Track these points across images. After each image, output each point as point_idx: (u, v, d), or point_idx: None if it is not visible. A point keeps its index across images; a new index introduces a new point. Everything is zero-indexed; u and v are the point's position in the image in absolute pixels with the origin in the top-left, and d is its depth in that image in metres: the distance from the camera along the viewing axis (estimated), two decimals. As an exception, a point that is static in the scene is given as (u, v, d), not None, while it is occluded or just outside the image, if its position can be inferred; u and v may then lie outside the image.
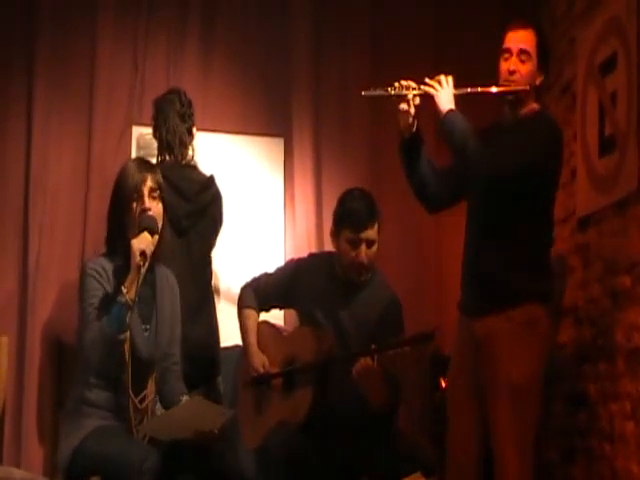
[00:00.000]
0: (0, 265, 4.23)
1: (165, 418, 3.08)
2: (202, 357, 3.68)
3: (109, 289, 3.10)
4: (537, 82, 3.27)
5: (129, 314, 3.00)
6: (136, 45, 4.47)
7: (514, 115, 3.28)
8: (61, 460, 3.09)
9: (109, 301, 3.04)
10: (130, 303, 3.00)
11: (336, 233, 3.51)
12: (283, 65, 4.62)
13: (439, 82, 3.19)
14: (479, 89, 3.23)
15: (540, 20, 4.70)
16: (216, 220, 3.90)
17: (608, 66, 3.84)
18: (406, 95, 3.20)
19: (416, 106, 3.23)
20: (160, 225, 3.17)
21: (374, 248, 3.47)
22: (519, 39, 3.25)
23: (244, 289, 3.68)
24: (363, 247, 3.42)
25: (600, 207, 3.87)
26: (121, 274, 3.08)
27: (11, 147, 4.31)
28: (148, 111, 4.40)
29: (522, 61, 3.23)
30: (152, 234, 3.10)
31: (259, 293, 3.63)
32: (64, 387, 3.39)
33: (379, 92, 3.23)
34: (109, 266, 3.14)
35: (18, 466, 3.80)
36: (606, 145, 3.84)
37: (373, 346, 3.14)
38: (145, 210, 3.13)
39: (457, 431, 3.25)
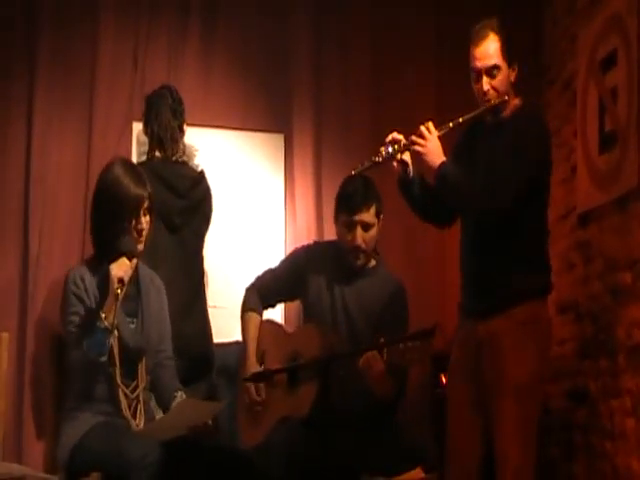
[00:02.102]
0: (1, 263, 4.23)
1: (157, 424, 3.09)
2: (195, 353, 3.67)
3: (88, 302, 3.12)
4: (512, 79, 3.22)
5: (110, 338, 3.04)
6: (137, 44, 4.46)
7: (496, 118, 3.24)
8: (62, 456, 3.10)
9: (90, 324, 3.05)
10: (110, 328, 3.03)
11: (335, 218, 3.54)
12: (283, 61, 4.61)
13: (422, 136, 3.16)
14: (460, 120, 3.21)
15: (542, 17, 4.71)
16: (208, 216, 3.88)
17: (609, 63, 3.84)
18: (394, 157, 3.20)
19: (404, 160, 3.22)
20: (144, 240, 3.18)
21: (371, 232, 3.47)
22: (482, 55, 3.17)
23: (248, 290, 3.68)
24: (359, 230, 3.44)
25: (600, 203, 3.87)
26: (102, 287, 3.09)
27: (12, 144, 4.30)
28: (149, 106, 4.42)
29: (492, 76, 3.18)
30: (130, 258, 3.11)
31: (264, 291, 3.63)
32: (64, 383, 3.38)
33: (367, 165, 3.23)
34: (89, 275, 3.16)
35: (18, 462, 3.80)
36: (606, 141, 3.84)
37: (382, 339, 3.14)
38: (140, 231, 3.14)
39: (457, 431, 3.25)
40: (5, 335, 3.58)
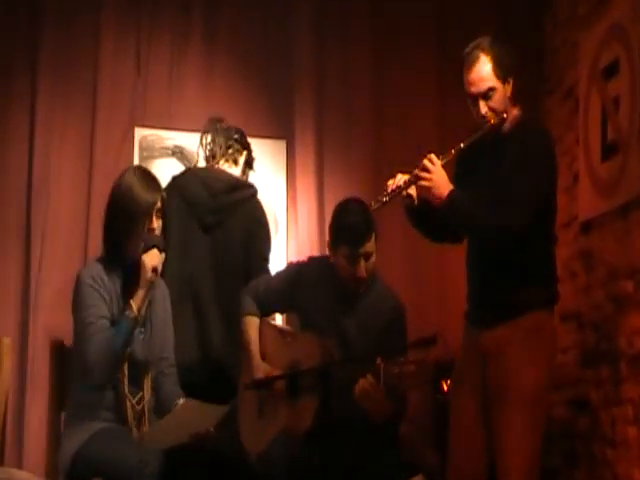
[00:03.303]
0: (2, 267, 4.23)
1: (159, 427, 3.07)
2: (214, 362, 3.65)
3: (106, 296, 3.10)
4: (509, 93, 3.20)
5: (136, 328, 3.04)
6: (139, 47, 4.48)
7: (497, 133, 3.22)
8: (63, 462, 3.08)
9: (115, 314, 3.05)
10: (139, 318, 3.04)
11: (333, 248, 3.45)
12: (286, 67, 4.62)
13: (427, 169, 3.15)
14: (462, 145, 3.20)
15: (542, 25, 4.72)
16: (248, 224, 3.80)
17: (611, 71, 3.85)
18: (400, 193, 3.22)
19: (410, 194, 3.24)
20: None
21: (372, 259, 3.43)
22: (476, 80, 3.15)
23: (244, 295, 3.66)
24: (362, 261, 3.39)
25: (603, 212, 3.87)
26: (122, 286, 3.10)
27: (14, 149, 4.31)
28: (151, 113, 4.44)
29: (489, 98, 3.16)
30: (160, 251, 3.11)
31: (259, 298, 3.61)
32: (66, 389, 3.37)
33: (375, 206, 3.23)
34: (104, 272, 3.14)
35: (19, 468, 3.80)
36: (609, 150, 3.84)
37: (379, 361, 3.11)
38: (152, 230, 3.14)
39: (460, 438, 3.24)
40: (7, 340, 3.57)
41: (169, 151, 4.48)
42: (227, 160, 3.91)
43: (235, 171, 3.92)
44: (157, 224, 3.16)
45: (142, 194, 3.14)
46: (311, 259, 3.76)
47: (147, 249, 3.09)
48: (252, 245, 3.79)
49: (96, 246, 4.07)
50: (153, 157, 4.31)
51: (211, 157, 3.92)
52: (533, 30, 4.74)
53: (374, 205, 3.22)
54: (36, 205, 4.25)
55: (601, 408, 3.77)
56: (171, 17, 4.53)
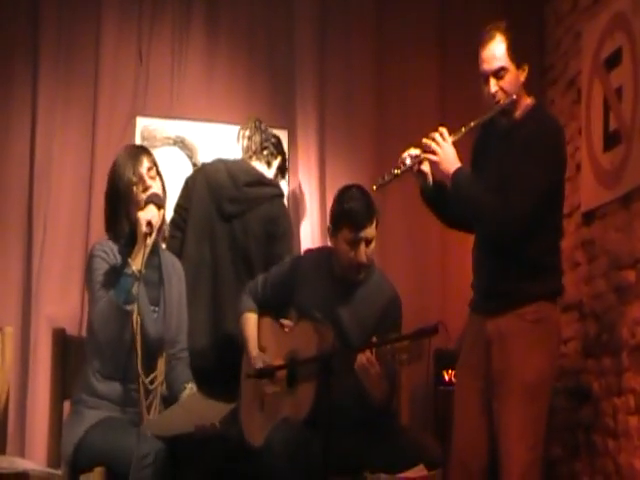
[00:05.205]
0: (4, 256, 4.24)
1: (165, 416, 3.08)
2: (226, 354, 3.69)
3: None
4: (522, 78, 3.23)
5: (136, 285, 3.03)
6: (140, 36, 4.47)
7: (509, 119, 3.24)
8: (65, 451, 3.10)
9: (116, 274, 3.07)
10: (137, 274, 3.04)
11: (334, 232, 3.45)
12: (287, 57, 4.61)
13: (436, 142, 3.19)
14: (472, 124, 3.24)
15: (545, 13, 4.71)
16: (268, 221, 3.89)
17: (613, 61, 3.84)
18: (412, 168, 3.26)
19: (423, 171, 3.28)
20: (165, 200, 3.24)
21: (372, 245, 3.44)
22: (489, 58, 3.20)
23: (243, 294, 3.66)
24: (362, 246, 3.39)
25: (605, 202, 3.87)
26: (127, 251, 3.12)
27: (15, 139, 4.31)
28: (152, 102, 4.44)
29: (500, 77, 3.19)
30: (158, 208, 3.14)
31: (257, 295, 3.61)
32: (68, 378, 3.39)
33: (388, 178, 3.26)
34: (115, 247, 3.19)
35: (22, 456, 3.80)
36: (611, 140, 3.84)
37: (374, 338, 3.13)
38: (147, 188, 3.17)
39: (464, 428, 3.25)
40: (9, 329, 3.57)
41: (170, 140, 4.48)
42: (259, 159, 4.05)
43: (267, 172, 4.05)
44: (152, 184, 3.19)
45: (122, 167, 3.20)
46: (308, 251, 3.78)
47: (144, 206, 3.12)
48: (271, 243, 3.89)
49: (97, 234, 4.09)
50: (154, 146, 4.30)
51: (245, 152, 4.06)
52: (535, 19, 4.73)
53: (386, 178, 3.26)
54: (38, 194, 4.25)
55: (603, 398, 3.77)
56: (173, 6, 4.53)
